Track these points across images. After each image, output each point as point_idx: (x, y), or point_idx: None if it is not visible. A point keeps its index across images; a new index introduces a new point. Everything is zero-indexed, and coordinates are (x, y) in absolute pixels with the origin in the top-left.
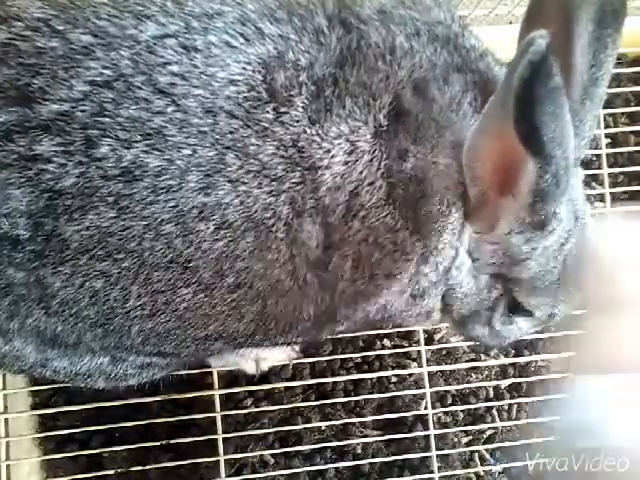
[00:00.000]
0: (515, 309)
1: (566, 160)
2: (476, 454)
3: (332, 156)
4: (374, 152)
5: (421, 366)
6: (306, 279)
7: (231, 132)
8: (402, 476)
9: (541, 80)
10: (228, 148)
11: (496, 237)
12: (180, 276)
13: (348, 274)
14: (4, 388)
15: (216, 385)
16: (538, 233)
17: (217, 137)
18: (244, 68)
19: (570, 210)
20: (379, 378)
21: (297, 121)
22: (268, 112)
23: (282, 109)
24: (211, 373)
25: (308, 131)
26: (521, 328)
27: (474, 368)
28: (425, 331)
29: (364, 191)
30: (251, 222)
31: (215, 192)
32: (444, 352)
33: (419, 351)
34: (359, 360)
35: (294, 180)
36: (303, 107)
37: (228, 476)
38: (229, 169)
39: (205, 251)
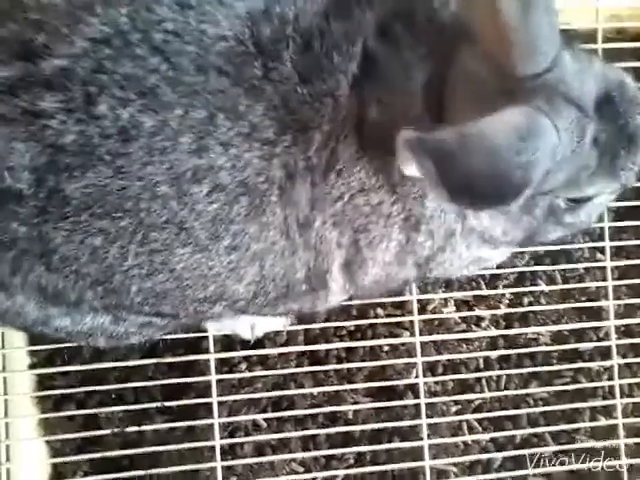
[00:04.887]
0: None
1: None
2: (464, 423)
3: (322, 115)
4: (351, 104)
5: (413, 335)
6: (295, 238)
7: (221, 91)
8: (392, 442)
9: None
10: (219, 109)
11: None
12: (176, 237)
13: (332, 236)
14: (2, 347)
15: (212, 349)
16: None
17: (208, 96)
18: (233, 23)
19: None
20: (371, 346)
21: (287, 78)
22: (256, 68)
23: (270, 64)
24: (207, 337)
25: (299, 90)
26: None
27: (465, 339)
28: (418, 301)
29: (340, 146)
30: (244, 186)
31: (207, 154)
32: (436, 322)
33: (412, 321)
34: (352, 328)
35: (286, 143)
36: (292, 62)
37: (222, 439)
38: (220, 131)
39: (200, 213)
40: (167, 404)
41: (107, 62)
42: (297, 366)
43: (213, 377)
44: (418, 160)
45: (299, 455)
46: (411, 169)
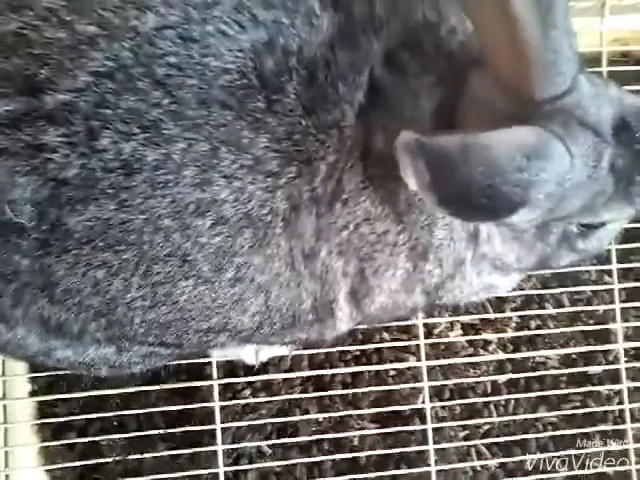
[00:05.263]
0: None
1: None
2: (473, 448)
3: (327, 147)
4: (357, 134)
5: (419, 360)
6: (301, 270)
7: (224, 124)
8: (399, 469)
9: None
10: (221, 142)
11: None
12: (179, 269)
13: (338, 265)
14: (3, 374)
15: (215, 375)
16: None
17: (211, 130)
18: (237, 56)
19: None
20: (377, 371)
21: (291, 110)
22: (259, 101)
23: (274, 97)
24: (210, 363)
25: (304, 122)
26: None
27: (472, 363)
28: (424, 325)
29: (346, 175)
30: (248, 219)
31: (210, 188)
32: (442, 346)
33: (418, 345)
34: (358, 353)
35: (291, 175)
36: (295, 94)
37: (226, 466)
38: (223, 164)
39: (203, 246)
40: (170, 431)
41: (110, 96)
42: (302, 392)
43: (217, 403)
44: (414, 164)
45: None
46: (411, 179)
